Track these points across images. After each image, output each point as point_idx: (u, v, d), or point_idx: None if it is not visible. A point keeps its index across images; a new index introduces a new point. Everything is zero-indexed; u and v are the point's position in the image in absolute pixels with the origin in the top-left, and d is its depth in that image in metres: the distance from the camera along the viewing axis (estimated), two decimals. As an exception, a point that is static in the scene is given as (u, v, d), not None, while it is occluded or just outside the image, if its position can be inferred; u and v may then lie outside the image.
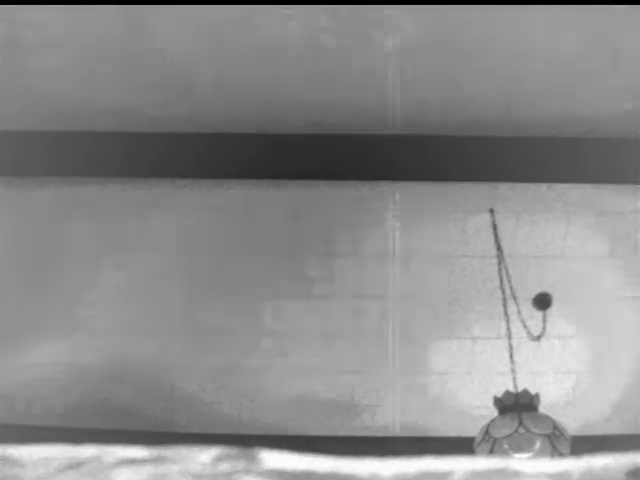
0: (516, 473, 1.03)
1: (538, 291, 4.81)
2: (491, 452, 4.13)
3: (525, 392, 4.32)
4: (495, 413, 4.30)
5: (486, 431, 4.22)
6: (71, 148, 4.41)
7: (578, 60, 4.07)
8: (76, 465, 1.04)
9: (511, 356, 4.68)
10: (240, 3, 3.83)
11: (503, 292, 4.71)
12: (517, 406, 4.24)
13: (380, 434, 5.16)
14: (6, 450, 1.05)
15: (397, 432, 5.14)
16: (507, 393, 4.32)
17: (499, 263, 4.70)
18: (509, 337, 4.69)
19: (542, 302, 4.81)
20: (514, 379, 4.56)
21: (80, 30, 3.95)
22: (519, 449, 4.11)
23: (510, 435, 4.14)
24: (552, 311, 4.83)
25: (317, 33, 3.95)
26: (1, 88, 4.18)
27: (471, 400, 5.03)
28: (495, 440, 4.15)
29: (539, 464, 1.05)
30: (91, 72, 4.14)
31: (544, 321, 4.80)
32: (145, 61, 4.10)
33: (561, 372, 5.02)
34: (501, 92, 4.26)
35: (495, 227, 4.68)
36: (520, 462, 1.06)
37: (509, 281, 4.70)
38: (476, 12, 3.82)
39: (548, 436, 4.14)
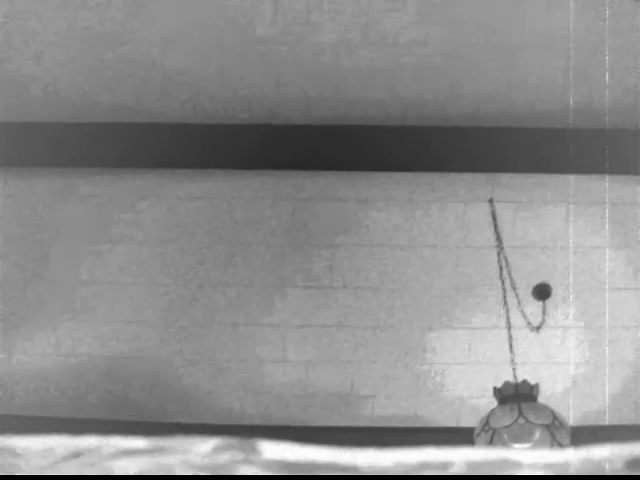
0: (516, 463, 1.03)
1: (538, 281, 4.81)
2: (491, 443, 4.14)
3: (524, 382, 4.32)
4: (495, 403, 4.30)
5: (486, 422, 4.22)
6: (64, 139, 4.45)
7: (578, 50, 4.06)
8: (76, 455, 1.04)
9: (510, 346, 4.68)
10: None
11: (502, 282, 4.70)
12: (516, 396, 4.25)
13: (379, 424, 5.15)
14: (6, 441, 1.05)
15: (396, 422, 5.14)
16: (506, 383, 4.32)
17: (498, 253, 4.70)
18: (508, 327, 4.69)
19: (542, 292, 4.81)
20: (513, 369, 4.56)
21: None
22: (519, 439, 4.12)
23: (510, 426, 4.14)
24: (552, 301, 4.83)
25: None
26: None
27: (470, 390, 5.02)
28: (495, 431, 4.16)
29: (538, 454, 1.06)
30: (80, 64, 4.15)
31: (544, 311, 4.80)
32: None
33: (561, 362, 5.02)
34: (500, 83, 4.25)
35: (494, 217, 4.67)
36: (520, 452, 1.06)
37: (508, 271, 4.70)
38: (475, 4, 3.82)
39: (548, 426, 4.14)
